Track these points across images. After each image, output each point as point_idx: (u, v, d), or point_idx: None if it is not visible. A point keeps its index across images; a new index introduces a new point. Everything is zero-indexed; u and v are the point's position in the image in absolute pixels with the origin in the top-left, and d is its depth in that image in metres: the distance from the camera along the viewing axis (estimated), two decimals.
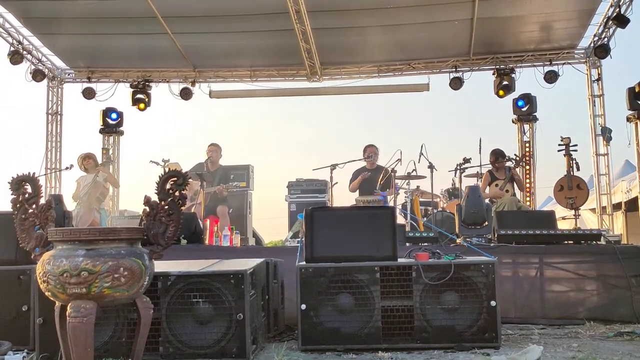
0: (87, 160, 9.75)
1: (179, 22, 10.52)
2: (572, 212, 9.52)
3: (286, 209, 10.69)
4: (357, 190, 9.45)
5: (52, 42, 11.70)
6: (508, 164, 9.39)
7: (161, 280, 4.24)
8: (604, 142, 11.40)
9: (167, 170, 3.56)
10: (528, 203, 11.05)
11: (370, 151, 9.51)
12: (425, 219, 9.04)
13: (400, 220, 8.40)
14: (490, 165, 9.31)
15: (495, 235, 6.65)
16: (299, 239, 6.61)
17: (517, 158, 9.96)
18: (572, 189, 9.37)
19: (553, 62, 11.70)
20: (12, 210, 3.51)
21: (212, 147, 9.62)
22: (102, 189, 9.83)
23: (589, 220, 13.19)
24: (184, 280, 4.26)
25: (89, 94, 12.52)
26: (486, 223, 6.82)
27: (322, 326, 4.54)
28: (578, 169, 9.50)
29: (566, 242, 6.51)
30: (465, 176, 9.43)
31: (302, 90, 12.94)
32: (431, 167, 8.49)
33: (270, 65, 12.38)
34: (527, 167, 11.61)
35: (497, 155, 9.22)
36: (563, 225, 10.88)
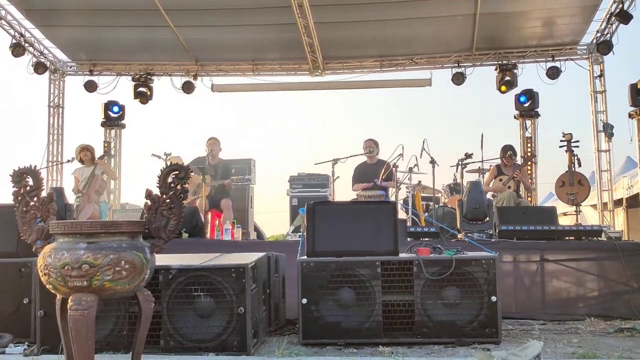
0: (84, 152, 9.70)
1: (181, 15, 10.51)
2: (574, 208, 9.52)
3: (288, 204, 10.69)
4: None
5: (54, 34, 11.70)
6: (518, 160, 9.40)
7: (162, 273, 4.24)
8: (606, 138, 11.40)
9: (168, 163, 3.55)
10: (529, 199, 11.04)
11: (368, 146, 9.44)
12: (426, 214, 9.04)
13: (401, 215, 8.39)
14: (498, 160, 9.32)
15: (497, 231, 6.65)
16: (301, 234, 6.61)
17: (526, 157, 9.97)
18: (573, 185, 9.36)
19: (555, 58, 11.69)
20: (13, 202, 3.51)
21: (212, 141, 9.59)
22: (101, 181, 9.82)
23: (590, 217, 13.19)
24: (185, 274, 4.27)
25: (90, 87, 12.54)
26: (487, 219, 6.81)
27: (323, 320, 4.54)
28: (580, 165, 9.49)
29: (567, 238, 6.52)
30: (466, 171, 9.43)
31: (304, 85, 12.93)
32: (433, 162, 8.49)
33: (273, 59, 12.38)
34: (529, 162, 11.60)
35: (505, 151, 9.21)
36: (564, 221, 10.88)
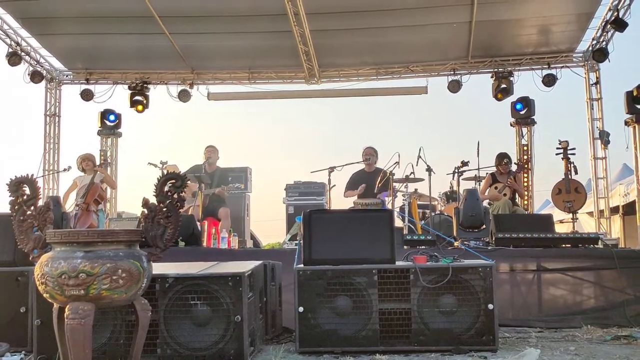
0: (85, 162, 9.71)
1: (176, 23, 10.51)
2: (570, 215, 9.53)
3: (284, 212, 10.70)
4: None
5: (50, 43, 11.69)
6: (513, 168, 9.42)
7: (159, 282, 4.23)
8: (602, 145, 11.43)
9: (165, 172, 3.55)
10: (525, 206, 11.05)
11: (367, 153, 9.46)
12: (423, 222, 9.04)
13: (398, 223, 8.40)
14: (494, 168, 9.33)
15: (493, 239, 6.65)
16: (297, 242, 6.61)
17: (520, 163, 10.00)
18: (570, 193, 9.38)
19: (551, 66, 11.73)
20: (10, 212, 3.51)
21: (210, 149, 9.59)
22: (100, 190, 9.79)
23: (586, 224, 13.20)
24: (182, 282, 4.26)
25: (87, 95, 12.53)
26: (484, 226, 6.83)
27: (320, 328, 4.54)
28: (576, 173, 9.52)
29: (564, 245, 6.53)
30: (463, 179, 9.43)
31: (301, 93, 12.94)
32: (429, 170, 8.49)
33: (269, 67, 12.39)
34: (524, 169, 11.62)
35: (501, 159, 9.23)
36: (561, 229, 10.88)
